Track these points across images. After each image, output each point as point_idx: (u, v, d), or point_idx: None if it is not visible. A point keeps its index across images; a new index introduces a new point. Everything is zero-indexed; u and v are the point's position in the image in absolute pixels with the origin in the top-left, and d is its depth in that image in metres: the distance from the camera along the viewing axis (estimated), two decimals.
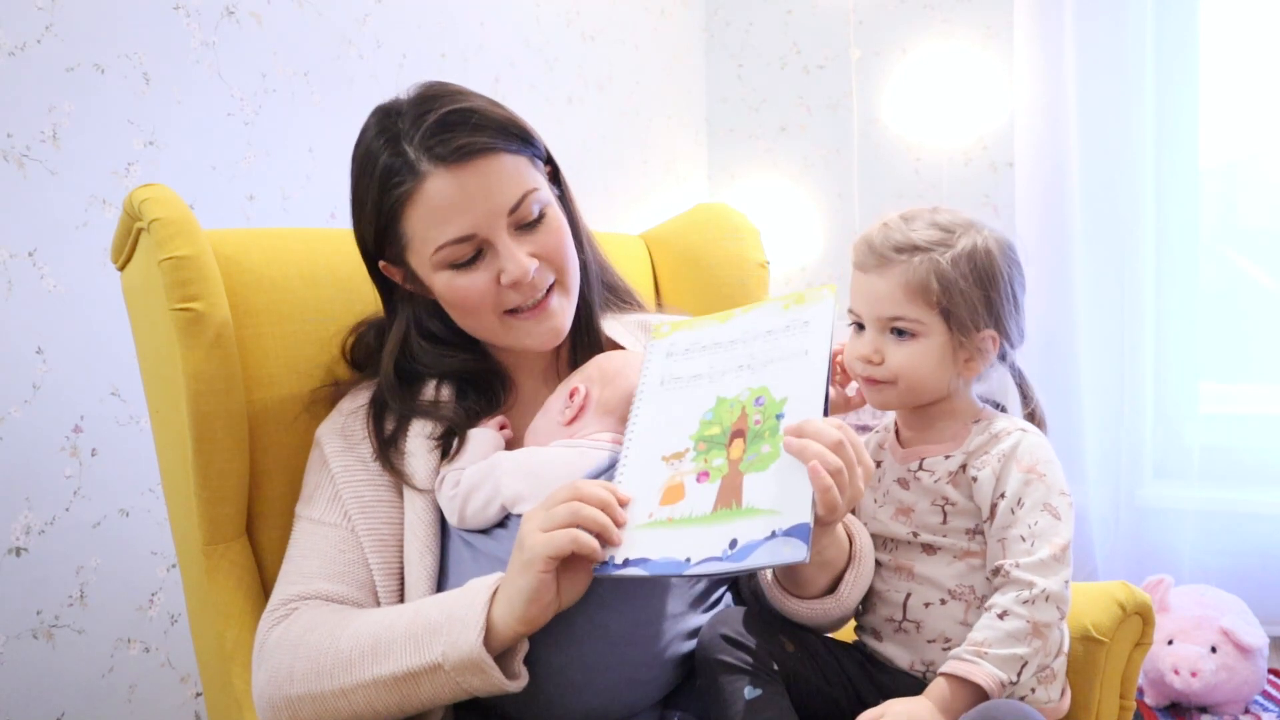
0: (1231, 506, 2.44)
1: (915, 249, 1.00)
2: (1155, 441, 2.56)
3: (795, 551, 0.78)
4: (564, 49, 2.53)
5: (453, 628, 0.86)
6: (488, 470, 1.00)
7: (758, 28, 3.13)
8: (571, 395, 1.05)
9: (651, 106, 2.93)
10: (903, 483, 1.05)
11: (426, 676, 0.87)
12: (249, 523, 1.12)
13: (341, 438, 1.07)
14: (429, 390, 1.10)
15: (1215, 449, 2.49)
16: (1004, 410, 1.09)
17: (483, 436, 1.06)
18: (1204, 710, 2.08)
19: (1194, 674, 1.99)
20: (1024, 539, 0.95)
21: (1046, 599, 0.93)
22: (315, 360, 1.16)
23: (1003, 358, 1.06)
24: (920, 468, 1.04)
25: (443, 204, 0.98)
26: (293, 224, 1.79)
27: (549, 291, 1.05)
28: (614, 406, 1.03)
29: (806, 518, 0.80)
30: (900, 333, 1.01)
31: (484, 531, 1.00)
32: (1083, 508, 2.55)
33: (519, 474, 0.99)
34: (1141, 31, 2.46)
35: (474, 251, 1.01)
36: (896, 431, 1.11)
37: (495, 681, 0.86)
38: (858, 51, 2.97)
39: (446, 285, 1.03)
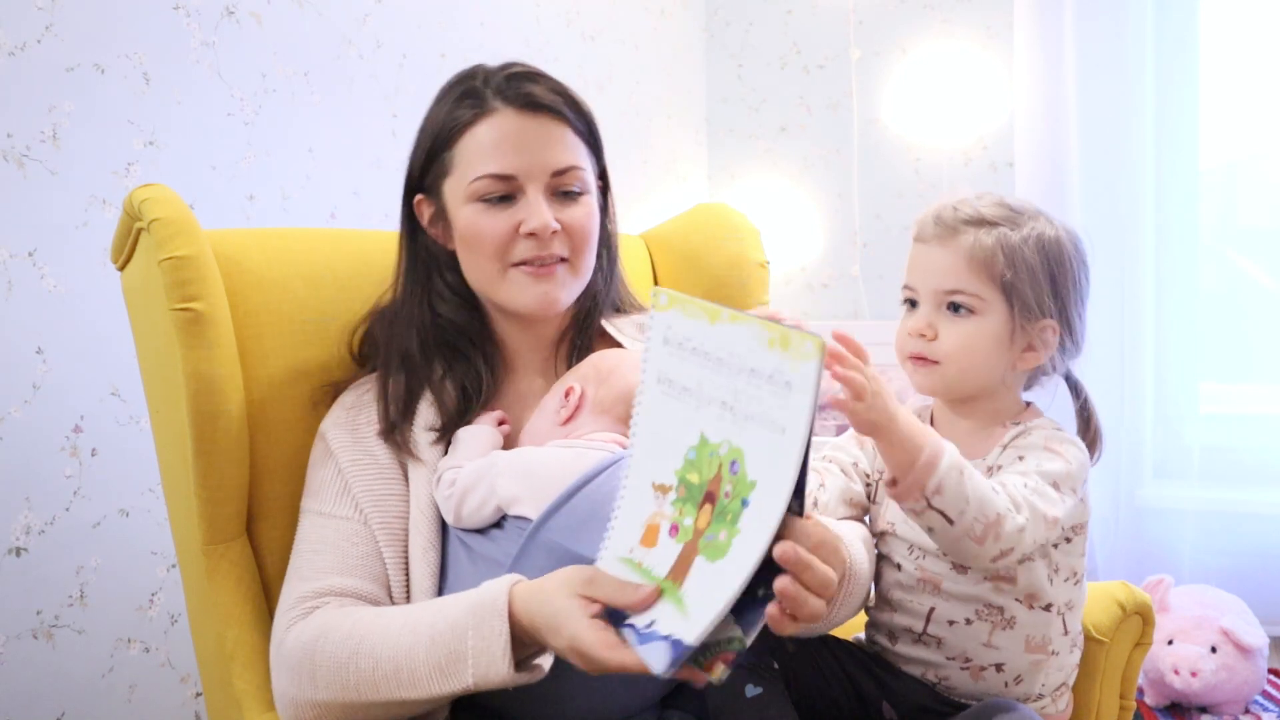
0: (1231, 506, 2.44)
1: (984, 222, 0.95)
2: (1155, 441, 2.56)
3: (658, 662, 0.72)
4: (564, 49, 2.53)
5: (478, 659, 0.84)
6: (484, 469, 1.00)
7: (758, 28, 3.13)
8: (567, 395, 1.05)
9: (651, 106, 2.93)
10: None
11: (455, 694, 0.87)
12: (249, 522, 1.12)
13: (348, 432, 1.07)
14: (435, 374, 1.10)
15: (1215, 449, 2.49)
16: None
17: (480, 434, 1.06)
18: (1204, 710, 2.08)
19: (1194, 674, 1.99)
20: (1021, 463, 0.92)
21: (1019, 510, 0.86)
22: (315, 360, 1.16)
23: (1063, 369, 1.01)
24: None
25: (498, 138, 1.03)
26: (293, 224, 1.79)
27: (559, 262, 1.07)
28: (609, 405, 1.03)
29: (693, 641, 0.71)
30: (957, 309, 0.95)
31: (481, 532, 1.00)
32: None
33: (514, 475, 0.99)
34: (1141, 31, 2.46)
35: (507, 192, 1.04)
36: (933, 424, 1.04)
37: (522, 683, 0.86)
38: (858, 51, 2.97)
39: (469, 220, 1.05)
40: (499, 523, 0.99)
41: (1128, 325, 2.52)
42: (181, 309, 1.01)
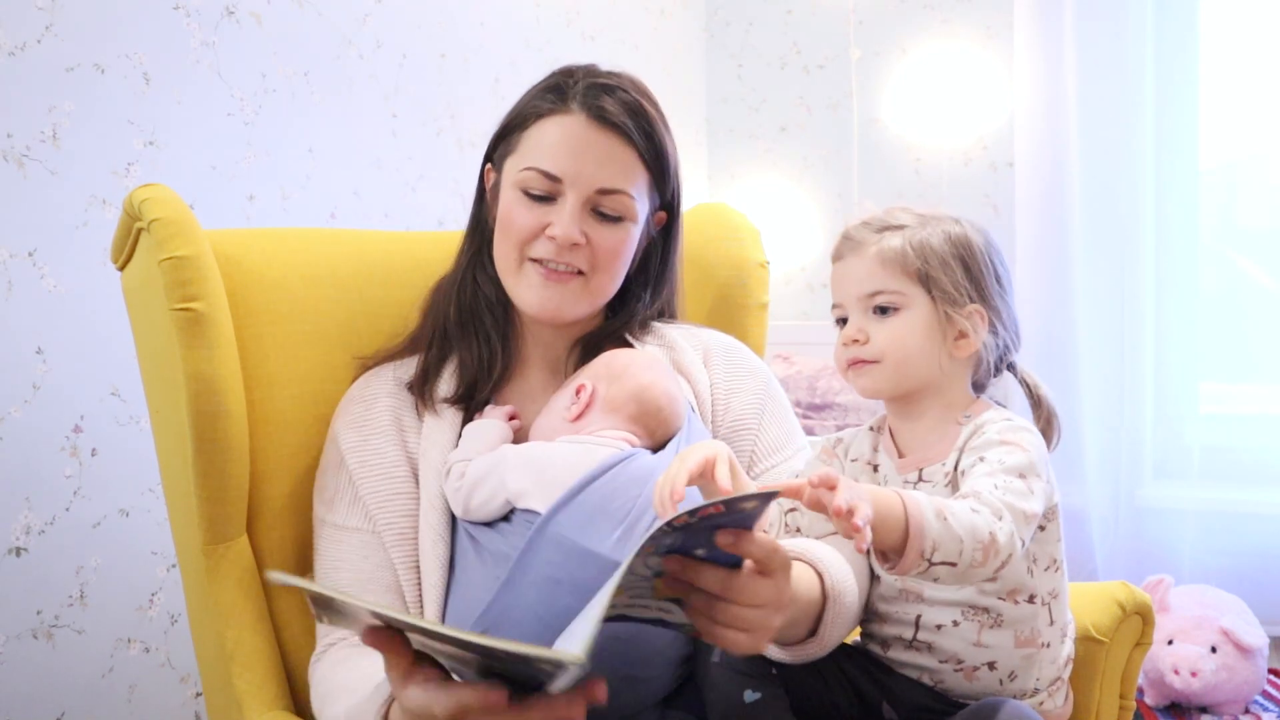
0: (1231, 506, 2.44)
1: (890, 227, 0.99)
2: (1155, 441, 2.56)
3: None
4: (564, 49, 2.53)
5: None
6: (493, 464, 1.00)
7: (758, 28, 3.13)
8: (578, 392, 1.05)
9: None
10: None
11: None
12: (249, 522, 1.12)
13: (356, 430, 1.08)
14: (463, 343, 1.13)
15: (1215, 449, 2.49)
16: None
17: (490, 427, 1.06)
18: (1204, 710, 2.08)
19: (1194, 674, 1.99)
20: (983, 464, 0.91)
21: (1002, 517, 0.85)
22: (315, 360, 1.16)
23: (1003, 361, 1.02)
24: (920, 479, 0.98)
25: (560, 139, 1.05)
26: (293, 224, 1.79)
27: (575, 275, 1.08)
28: (620, 404, 1.03)
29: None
30: (883, 311, 0.98)
31: (489, 525, 1.00)
32: (1083, 508, 2.55)
33: (524, 469, 0.99)
34: (1141, 31, 2.47)
35: (548, 191, 1.05)
36: (891, 434, 1.04)
37: None
38: (858, 51, 2.97)
39: (507, 204, 1.08)
40: (507, 516, 1.00)
41: (1128, 325, 2.52)
42: (181, 309, 1.01)
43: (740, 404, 1.15)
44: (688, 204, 1.21)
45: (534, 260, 1.07)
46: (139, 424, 1.54)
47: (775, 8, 3.10)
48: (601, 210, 1.06)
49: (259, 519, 1.12)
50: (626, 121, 1.06)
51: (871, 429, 1.08)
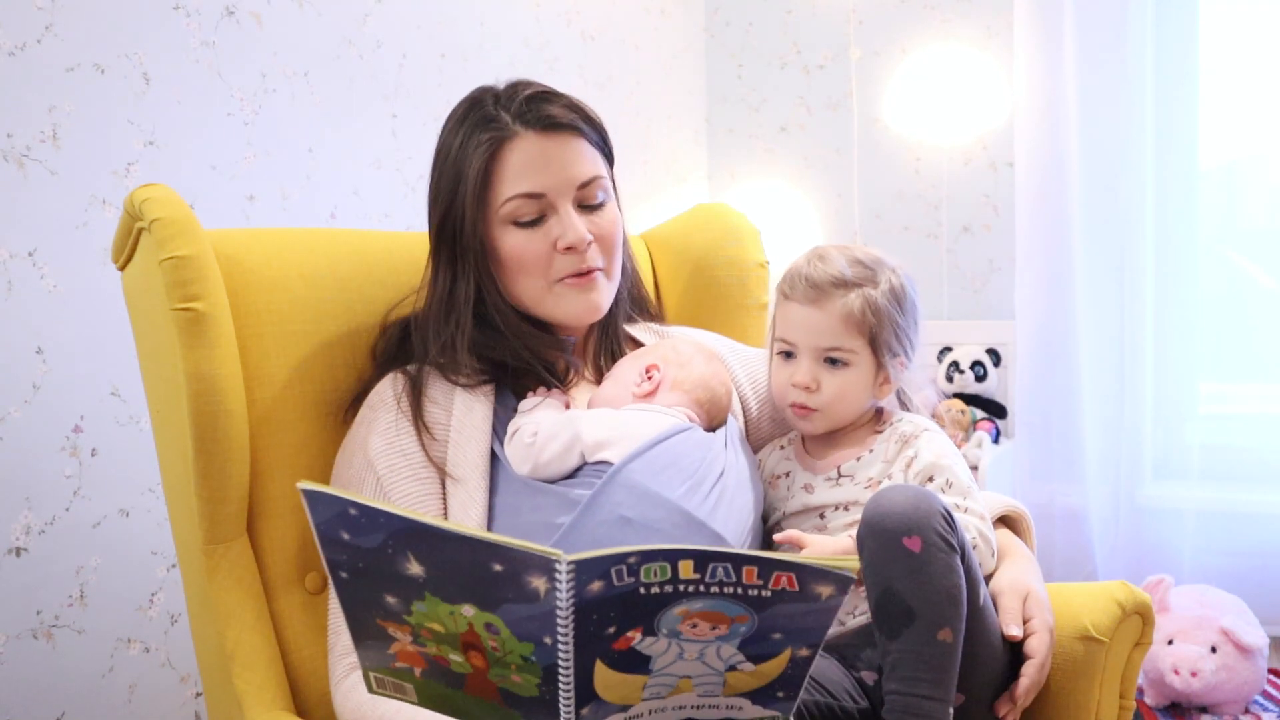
0: (1231, 506, 2.44)
1: (848, 283, 1.10)
2: (1155, 441, 2.56)
3: None
4: (564, 49, 2.53)
5: None
6: (568, 420, 1.05)
7: (758, 28, 3.13)
8: (648, 371, 1.11)
9: (651, 106, 2.93)
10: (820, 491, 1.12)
11: None
12: (249, 522, 1.12)
13: (380, 435, 1.08)
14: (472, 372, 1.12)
15: (1215, 449, 2.49)
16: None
17: (551, 400, 1.11)
18: (1204, 710, 2.08)
19: (1194, 674, 2.00)
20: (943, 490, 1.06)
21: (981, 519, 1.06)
22: (315, 360, 1.16)
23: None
24: (840, 474, 1.12)
25: (524, 161, 1.07)
26: (293, 224, 1.79)
27: (596, 270, 1.12)
28: (689, 388, 1.11)
29: None
30: (834, 361, 1.10)
31: (551, 483, 1.03)
32: (1083, 508, 2.55)
33: (601, 425, 1.04)
34: (1141, 31, 2.47)
35: (538, 213, 1.08)
36: (804, 444, 1.18)
37: None
38: (858, 51, 2.97)
39: (509, 245, 1.09)
40: (573, 473, 1.03)
41: (1128, 325, 2.52)
42: (182, 309, 1.01)
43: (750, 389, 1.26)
44: (688, 204, 1.22)
45: (559, 279, 1.10)
46: (139, 424, 1.54)
47: (775, 8, 3.09)
48: (588, 202, 1.11)
49: (259, 519, 1.12)
50: (573, 117, 1.10)
51: (781, 447, 1.21)
